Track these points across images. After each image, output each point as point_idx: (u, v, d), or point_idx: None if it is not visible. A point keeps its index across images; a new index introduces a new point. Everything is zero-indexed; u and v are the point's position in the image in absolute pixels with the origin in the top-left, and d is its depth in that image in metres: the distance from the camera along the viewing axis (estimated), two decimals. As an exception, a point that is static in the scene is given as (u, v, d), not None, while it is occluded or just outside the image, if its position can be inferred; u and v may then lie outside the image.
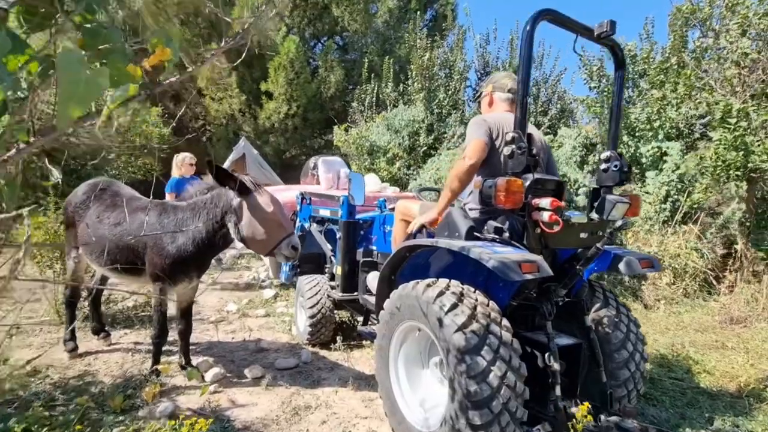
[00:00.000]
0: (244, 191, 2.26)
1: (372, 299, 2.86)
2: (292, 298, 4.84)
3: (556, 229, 1.77)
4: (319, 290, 3.32)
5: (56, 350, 2.96)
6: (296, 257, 2.37)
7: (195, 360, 2.87)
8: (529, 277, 1.60)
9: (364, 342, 3.51)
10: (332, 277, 3.54)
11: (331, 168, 5.73)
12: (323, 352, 3.32)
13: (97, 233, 2.54)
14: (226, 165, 8.46)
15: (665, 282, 5.51)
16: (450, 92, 9.39)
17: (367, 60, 11.08)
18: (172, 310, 2.78)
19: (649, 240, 5.70)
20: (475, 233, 1.96)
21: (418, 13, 11.06)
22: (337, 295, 3.17)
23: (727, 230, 5.99)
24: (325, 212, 3.59)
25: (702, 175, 5.55)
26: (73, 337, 2.89)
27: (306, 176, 6.22)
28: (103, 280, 3.08)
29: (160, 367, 1.84)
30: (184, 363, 2.71)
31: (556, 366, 1.81)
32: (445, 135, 8.80)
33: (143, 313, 3.87)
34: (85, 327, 3.29)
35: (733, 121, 4.39)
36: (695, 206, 6.06)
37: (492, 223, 1.97)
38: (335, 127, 9.76)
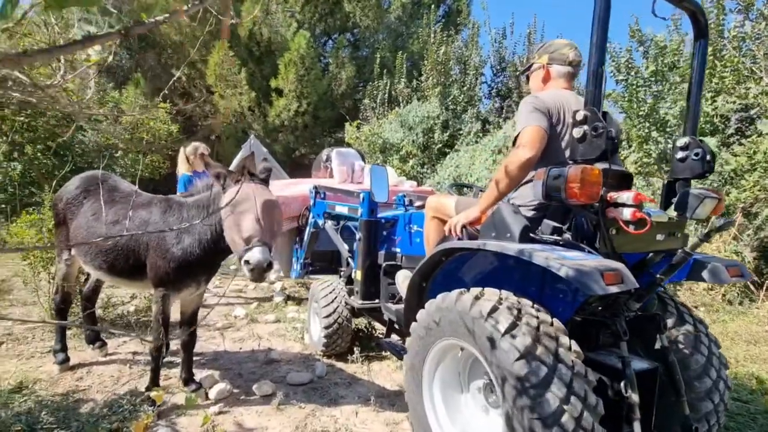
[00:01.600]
0: (226, 185, 1.93)
1: (397, 308, 2.55)
2: (304, 303, 4.55)
3: (643, 229, 1.43)
4: (335, 296, 3.00)
5: (46, 361, 2.69)
6: (253, 277, 1.76)
7: (199, 374, 2.58)
8: (613, 289, 1.27)
9: (383, 352, 3.19)
10: (349, 281, 3.21)
11: (345, 160, 5.28)
12: (339, 364, 3.00)
13: (92, 232, 2.26)
14: (234, 163, 8.21)
15: (702, 287, 5.11)
16: (465, 88, 9.05)
17: (379, 56, 10.78)
18: (175, 316, 2.49)
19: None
20: (530, 234, 1.63)
21: (432, 7, 10.72)
22: (357, 302, 2.83)
23: (763, 231, 5.56)
24: (341, 209, 3.24)
25: (750, 173, 5.11)
26: (63, 347, 2.61)
27: (318, 169, 5.76)
28: (97, 284, 2.80)
29: (153, 395, 1.55)
30: (186, 378, 2.42)
31: (635, 398, 1.46)
32: (461, 132, 8.45)
33: (145, 318, 3.59)
34: (80, 335, 3.02)
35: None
36: (730, 206, 5.64)
37: (549, 223, 1.65)
38: (347, 124, 9.48)
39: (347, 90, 11.74)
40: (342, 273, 3.39)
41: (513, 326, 1.41)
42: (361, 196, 2.84)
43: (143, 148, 8.97)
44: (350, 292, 3.04)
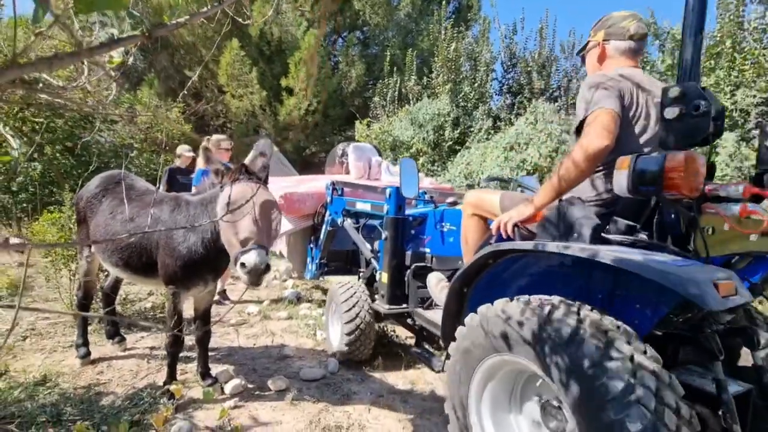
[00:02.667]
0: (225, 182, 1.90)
1: (431, 316, 2.34)
2: (316, 301, 4.59)
3: (761, 228, 1.22)
4: (358, 300, 2.80)
5: (68, 355, 2.77)
6: (249, 280, 1.68)
7: (215, 368, 2.63)
8: (729, 303, 1.08)
9: (395, 349, 3.21)
10: (369, 282, 3.06)
11: (362, 155, 5.02)
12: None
13: (109, 230, 2.32)
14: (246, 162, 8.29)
15: None
16: (476, 85, 8.99)
17: (389, 53, 10.77)
18: (190, 312, 2.54)
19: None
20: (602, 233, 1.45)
21: (442, 3, 10.66)
22: (382, 307, 2.65)
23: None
24: (363, 206, 3.02)
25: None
26: (85, 342, 2.69)
27: (332, 165, 5.49)
28: (117, 280, 2.88)
29: (173, 388, 1.59)
30: (203, 372, 2.47)
31: (737, 430, 1.24)
32: (472, 129, 8.40)
33: (162, 314, 3.67)
34: (100, 330, 3.10)
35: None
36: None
37: (620, 221, 1.42)
38: (357, 122, 9.50)
39: (357, 88, 11.75)
40: (361, 274, 3.24)
41: (587, 341, 1.19)
42: (388, 191, 2.68)
43: (158, 147, 9.13)
44: (372, 295, 2.88)
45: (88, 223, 2.47)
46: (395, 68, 10.30)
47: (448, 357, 1.76)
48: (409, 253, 2.72)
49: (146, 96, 9.97)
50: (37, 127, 6.90)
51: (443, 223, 2.48)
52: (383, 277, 2.67)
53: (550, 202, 1.57)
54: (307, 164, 11.78)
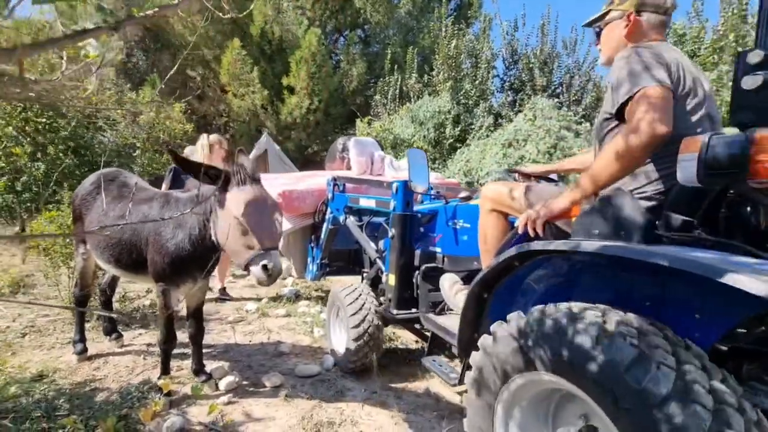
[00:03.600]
0: (226, 185, 1.87)
1: (444, 322, 2.15)
2: (314, 298, 4.60)
3: None
4: (363, 303, 2.59)
5: (66, 352, 2.80)
6: (268, 282, 1.80)
7: (210, 365, 2.64)
8: None
9: (394, 348, 3.21)
10: (373, 283, 2.92)
11: (364, 150, 4.75)
12: (347, 358, 3.03)
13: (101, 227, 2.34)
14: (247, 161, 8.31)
15: None
16: (477, 82, 8.95)
17: (390, 51, 10.76)
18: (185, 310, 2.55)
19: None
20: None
21: (443, 1, 10.63)
22: (390, 311, 2.46)
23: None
24: (367, 202, 2.83)
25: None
26: (82, 338, 2.72)
27: (333, 160, 5.25)
28: (114, 278, 2.90)
29: (160, 383, 1.60)
30: (196, 369, 2.48)
31: None
32: (473, 126, 8.38)
33: (160, 312, 3.70)
34: (98, 327, 3.13)
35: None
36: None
37: (674, 216, 1.22)
38: (357, 121, 9.51)
39: (358, 86, 11.76)
40: (365, 275, 3.08)
41: (643, 356, 0.99)
42: (395, 186, 2.47)
43: (160, 147, 9.18)
44: (378, 298, 2.70)
45: (83, 221, 2.49)
46: (396, 66, 10.29)
47: (467, 368, 1.59)
48: (418, 252, 2.54)
49: (148, 96, 10.04)
50: (40, 127, 6.97)
51: (456, 220, 2.29)
52: (390, 278, 2.47)
53: (589, 196, 1.36)
54: (309, 163, 11.81)
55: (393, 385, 2.64)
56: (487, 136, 7.26)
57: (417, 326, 2.58)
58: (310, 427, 2.13)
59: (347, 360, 2.63)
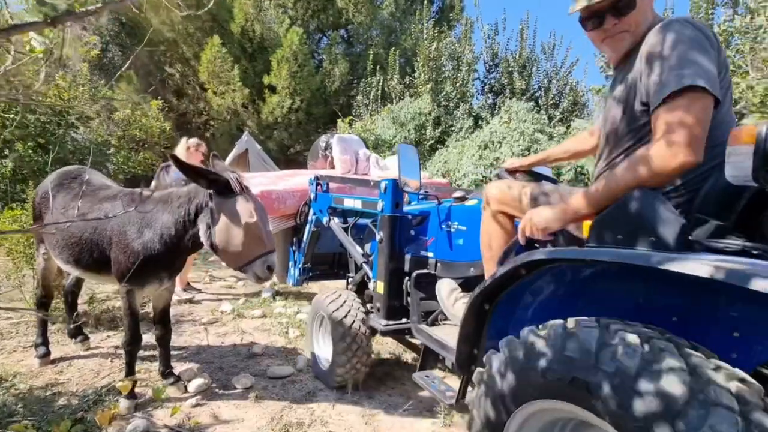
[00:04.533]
0: (226, 191, 1.95)
1: (439, 334, 1.96)
2: (291, 298, 4.56)
3: None
4: (349, 311, 2.36)
5: (28, 355, 2.71)
6: (269, 279, 2.00)
7: (180, 367, 2.60)
8: None
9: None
10: (359, 289, 2.76)
11: (348, 148, 4.57)
12: (321, 358, 3.02)
13: (60, 226, 2.27)
14: (228, 161, 8.20)
15: None
16: (458, 84, 9.06)
17: (372, 52, 10.78)
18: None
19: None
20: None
21: (425, 3, 10.71)
22: (378, 322, 2.27)
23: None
24: (352, 202, 2.68)
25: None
26: (44, 342, 2.63)
27: (315, 159, 5.05)
28: (79, 279, 2.82)
29: (119, 385, 1.56)
30: (164, 371, 2.44)
31: None
32: (453, 128, 8.47)
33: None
34: (64, 329, 3.04)
35: (774, 105, 4.00)
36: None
37: (711, 221, 1.07)
38: (339, 121, 9.50)
39: (340, 86, 11.75)
40: (350, 280, 2.89)
41: (696, 394, 0.81)
42: (383, 185, 2.29)
43: (136, 145, 8.96)
44: (365, 305, 2.51)
45: (43, 219, 2.41)
46: (378, 67, 10.31)
47: (467, 385, 1.50)
48: (408, 257, 2.34)
49: (124, 92, 9.79)
50: (7, 122, 6.72)
51: (450, 222, 2.12)
52: (378, 285, 2.29)
53: (612, 199, 1.15)
54: (291, 163, 11.73)
55: (366, 385, 2.64)
56: (466, 138, 7.36)
57: (407, 337, 2.40)
58: (279, 428, 2.12)
59: (333, 375, 2.40)
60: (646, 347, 0.90)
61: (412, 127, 8.42)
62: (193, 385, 2.42)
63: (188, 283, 4.50)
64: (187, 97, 12.09)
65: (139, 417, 2.07)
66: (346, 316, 2.34)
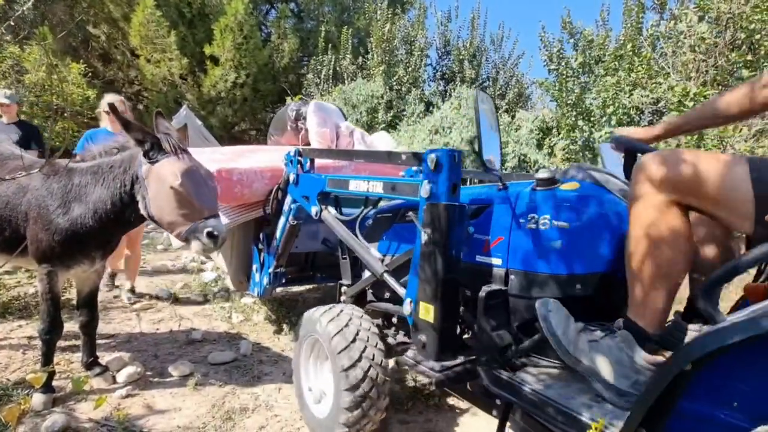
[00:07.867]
0: (155, 154, 1.76)
1: (540, 387, 1.26)
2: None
3: None
4: (357, 333, 1.68)
5: None
6: (214, 248, 1.76)
7: (107, 357, 2.38)
8: None
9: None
10: (357, 302, 2.04)
11: (327, 119, 3.47)
12: (267, 342, 2.94)
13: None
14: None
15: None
16: (410, 69, 9.04)
17: (324, 29, 10.39)
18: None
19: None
20: None
21: (379, -18, 10.47)
22: (426, 365, 1.52)
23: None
24: (367, 186, 1.82)
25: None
26: (-63, 333, 2.28)
27: (281, 131, 3.84)
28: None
29: (29, 377, 1.38)
30: (88, 361, 2.23)
31: None
32: (404, 112, 8.48)
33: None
34: (-38, 319, 2.66)
35: (690, 104, 4.45)
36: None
37: None
38: (288, 99, 9.11)
39: (290, 63, 11.24)
40: (344, 289, 2.16)
41: None
42: (432, 157, 1.45)
43: (52, 113, 7.96)
44: (383, 335, 1.84)
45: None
46: (330, 45, 9.98)
47: None
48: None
49: (37, 53, 8.57)
50: None
51: (534, 216, 1.43)
52: (423, 310, 1.51)
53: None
54: (235, 141, 11.10)
55: (312, 367, 2.61)
56: (418, 122, 7.42)
57: (469, 387, 1.61)
58: (221, 414, 2.04)
59: (339, 424, 1.65)
60: None
61: (364, 109, 8.31)
62: (123, 375, 2.25)
63: (133, 289, 3.67)
64: (115, 63, 10.91)
65: (57, 412, 1.87)
66: (352, 339, 1.66)
